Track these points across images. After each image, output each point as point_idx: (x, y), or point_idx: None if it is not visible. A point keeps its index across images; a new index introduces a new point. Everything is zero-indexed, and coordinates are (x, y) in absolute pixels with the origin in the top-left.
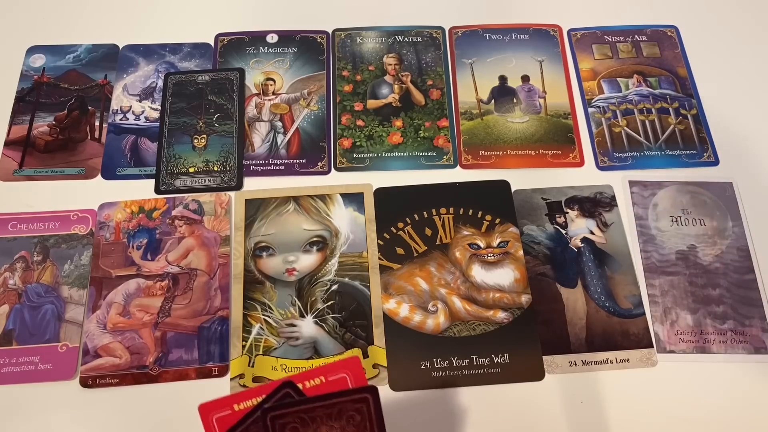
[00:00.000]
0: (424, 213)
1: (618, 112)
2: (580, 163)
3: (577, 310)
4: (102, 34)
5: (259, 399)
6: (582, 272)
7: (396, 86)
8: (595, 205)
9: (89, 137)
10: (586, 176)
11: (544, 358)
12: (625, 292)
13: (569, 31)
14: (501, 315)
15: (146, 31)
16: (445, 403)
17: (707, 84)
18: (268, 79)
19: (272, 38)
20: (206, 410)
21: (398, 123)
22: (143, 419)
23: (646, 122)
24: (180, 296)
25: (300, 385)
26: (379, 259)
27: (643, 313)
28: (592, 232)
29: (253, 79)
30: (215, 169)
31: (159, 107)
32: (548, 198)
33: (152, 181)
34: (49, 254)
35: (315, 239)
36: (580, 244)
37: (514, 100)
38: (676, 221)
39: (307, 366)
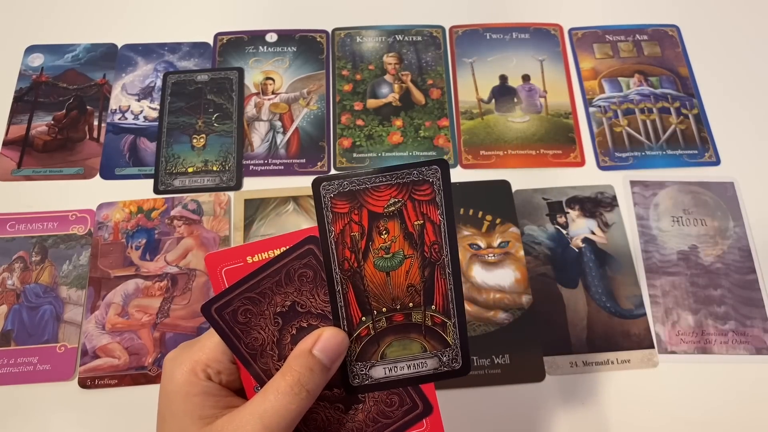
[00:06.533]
0: None
1: (619, 111)
2: (581, 163)
3: (578, 311)
4: (100, 34)
5: (279, 251)
6: (583, 272)
7: (396, 85)
8: (596, 205)
9: (88, 137)
10: (587, 176)
11: (545, 358)
12: (626, 293)
13: (570, 31)
14: (501, 316)
15: (145, 31)
16: (446, 404)
17: (708, 83)
18: (268, 78)
19: (271, 37)
20: (213, 261)
21: (398, 122)
22: (142, 420)
23: (647, 122)
24: (179, 297)
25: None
26: None
27: (644, 314)
28: (593, 233)
29: (253, 78)
30: (214, 168)
31: (158, 107)
32: (549, 198)
33: (151, 181)
34: (47, 254)
35: None
36: (581, 245)
37: (515, 100)
38: (678, 221)
39: None
